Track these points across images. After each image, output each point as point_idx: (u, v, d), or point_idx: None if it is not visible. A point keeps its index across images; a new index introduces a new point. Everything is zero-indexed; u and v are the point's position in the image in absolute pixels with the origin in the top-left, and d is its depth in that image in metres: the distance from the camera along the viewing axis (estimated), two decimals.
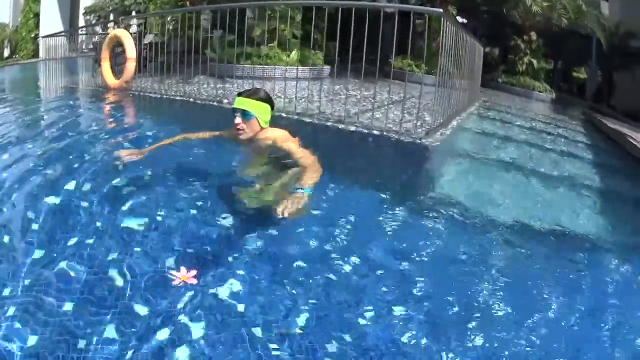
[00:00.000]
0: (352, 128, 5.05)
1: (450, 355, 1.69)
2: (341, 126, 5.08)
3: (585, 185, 4.61)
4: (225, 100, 6.40)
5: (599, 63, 18.28)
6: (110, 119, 5.73)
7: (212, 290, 1.86)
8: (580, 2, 14.98)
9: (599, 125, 10.00)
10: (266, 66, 8.67)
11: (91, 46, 20.81)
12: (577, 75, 21.72)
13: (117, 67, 8.36)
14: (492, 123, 7.69)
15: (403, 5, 5.55)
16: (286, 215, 2.19)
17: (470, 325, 1.89)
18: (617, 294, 2.33)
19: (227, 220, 2.52)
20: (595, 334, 1.97)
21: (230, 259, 2.13)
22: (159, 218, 2.46)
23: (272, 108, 3.15)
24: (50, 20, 21.27)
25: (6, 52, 21.50)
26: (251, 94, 3.12)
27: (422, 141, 4.75)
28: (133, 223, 2.35)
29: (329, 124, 5.17)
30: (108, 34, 10.12)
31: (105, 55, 8.26)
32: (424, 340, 1.76)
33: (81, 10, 21.72)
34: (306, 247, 2.34)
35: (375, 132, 4.94)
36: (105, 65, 8.22)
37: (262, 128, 3.06)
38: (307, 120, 5.34)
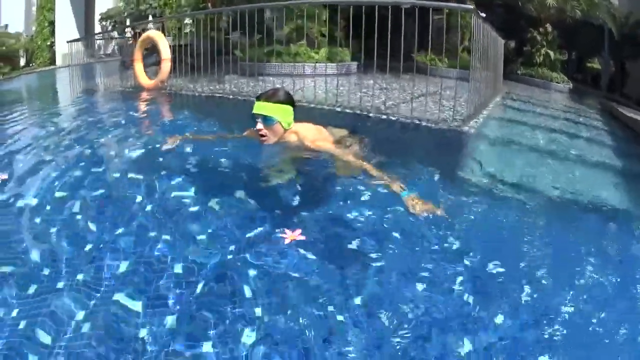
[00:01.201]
0: (394, 118, 5.60)
1: (502, 315, 1.79)
2: (383, 117, 5.63)
3: (608, 166, 5.11)
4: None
5: (611, 53, 18.69)
6: (156, 114, 6.25)
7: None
8: None
9: (616, 114, 10.46)
10: (296, 63, 9.26)
11: (109, 51, 21.50)
12: (592, 66, 22.13)
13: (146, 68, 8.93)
14: (518, 112, 8.22)
15: (434, 2, 6.04)
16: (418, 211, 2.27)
17: (518, 285, 1.99)
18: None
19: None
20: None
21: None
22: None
23: (294, 107, 3.09)
24: (66, 27, 21.87)
25: (22, 61, 22.14)
26: (270, 96, 3.02)
27: (460, 128, 5.28)
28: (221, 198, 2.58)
29: (371, 114, 5.72)
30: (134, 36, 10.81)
31: (138, 57, 8.70)
32: (467, 297, 1.87)
33: (97, 17, 22.33)
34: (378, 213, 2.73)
35: (415, 121, 5.48)
36: (139, 67, 8.67)
37: (286, 130, 3.03)
38: (349, 111, 5.89)
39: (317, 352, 1.50)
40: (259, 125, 2.93)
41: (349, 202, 2.60)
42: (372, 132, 4.74)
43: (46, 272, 1.86)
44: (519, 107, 9.00)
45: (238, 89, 7.77)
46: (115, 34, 14.02)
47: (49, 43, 22.43)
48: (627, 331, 1.73)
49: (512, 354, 1.58)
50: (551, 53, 15.14)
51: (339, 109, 5.91)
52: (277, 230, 2.15)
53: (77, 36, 22.32)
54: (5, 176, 3.16)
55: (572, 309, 1.81)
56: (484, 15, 6.51)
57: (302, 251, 2.01)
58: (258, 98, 3.05)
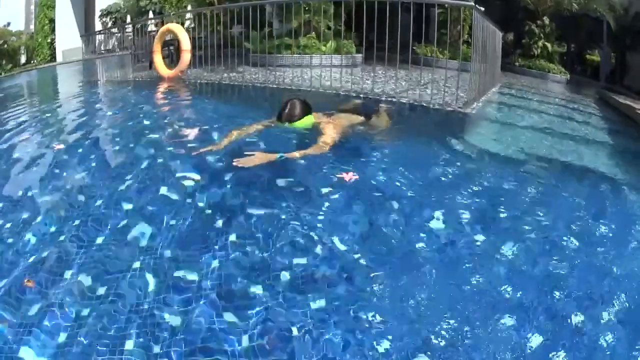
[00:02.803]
0: (404, 100, 6.50)
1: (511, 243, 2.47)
2: (394, 100, 6.52)
3: (597, 141, 6.02)
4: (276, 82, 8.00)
5: (611, 45, 19.51)
6: (187, 100, 7.17)
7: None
8: None
9: (609, 101, 11.37)
10: (305, 55, 10.17)
11: (109, 47, 22.25)
12: (592, 58, 22.97)
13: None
14: (515, 99, 9.17)
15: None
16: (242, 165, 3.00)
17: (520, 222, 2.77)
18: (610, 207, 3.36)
19: None
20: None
21: None
22: None
23: (311, 111, 3.75)
24: (66, 25, 22.65)
25: (23, 59, 22.94)
26: (292, 116, 3.64)
27: (463, 110, 6.17)
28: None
29: (382, 98, 6.61)
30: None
31: (157, 49, 9.50)
32: (479, 236, 2.53)
33: (97, 14, 23.12)
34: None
35: (423, 104, 6.38)
36: (158, 58, 9.49)
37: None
38: (363, 96, 6.79)
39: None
40: None
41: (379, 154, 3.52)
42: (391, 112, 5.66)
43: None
44: (515, 94, 9.93)
45: (252, 78, 8.70)
46: (129, 28, 14.78)
47: (49, 40, 23.19)
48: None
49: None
50: (548, 45, 16.05)
51: (353, 95, 6.80)
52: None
53: (77, 34, 23.18)
54: (61, 145, 4.01)
55: (561, 238, 2.61)
56: (482, 9, 7.36)
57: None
58: (280, 118, 3.70)
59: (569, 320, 1.90)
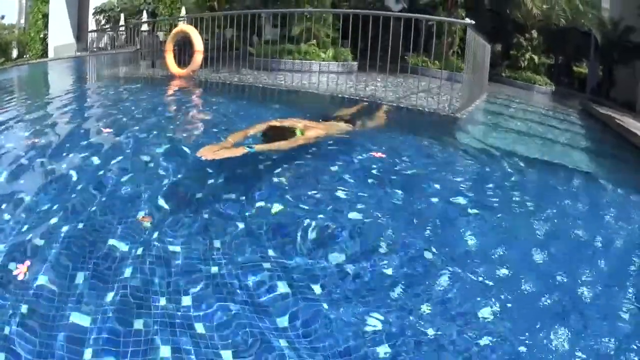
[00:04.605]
0: (402, 105, 7.59)
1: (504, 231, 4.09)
2: (395, 104, 7.61)
3: (574, 144, 7.17)
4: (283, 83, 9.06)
5: (598, 58, 20.78)
6: (201, 96, 8.22)
7: None
8: (577, 3, 17.71)
9: (591, 111, 12.59)
10: (305, 61, 11.28)
11: (102, 45, 23.06)
12: (579, 70, 24.34)
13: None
14: (501, 107, 10.38)
15: (436, 17, 8.13)
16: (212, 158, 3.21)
17: (508, 206, 3.95)
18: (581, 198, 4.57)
19: None
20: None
21: None
22: None
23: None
24: (59, 20, 23.39)
25: (14, 53, 23.62)
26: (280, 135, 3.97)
27: (454, 115, 7.26)
28: None
29: (384, 102, 7.70)
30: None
31: (169, 48, 10.37)
32: (459, 199, 4.16)
33: (91, 11, 23.95)
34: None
35: (419, 108, 7.48)
36: (170, 57, 10.34)
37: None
38: (366, 100, 7.86)
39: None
40: None
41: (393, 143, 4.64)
42: (391, 114, 6.76)
43: None
44: (502, 102, 11.18)
45: (256, 79, 9.75)
46: (145, 27, 15.70)
47: (42, 35, 23.90)
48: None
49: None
50: (535, 57, 17.40)
51: (356, 98, 7.88)
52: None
53: (69, 30, 24.02)
54: (109, 129, 4.90)
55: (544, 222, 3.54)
56: (472, 22, 8.36)
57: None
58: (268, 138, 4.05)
59: None
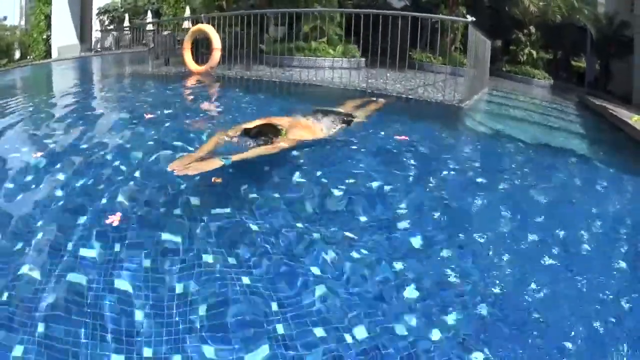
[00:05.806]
0: (411, 97, 8.46)
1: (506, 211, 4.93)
2: (404, 96, 8.48)
3: (569, 131, 8.05)
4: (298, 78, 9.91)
5: (595, 52, 21.60)
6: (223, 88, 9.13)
7: None
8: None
9: (587, 103, 13.49)
10: (316, 57, 12.18)
11: (107, 45, 23.83)
12: (578, 65, 25.17)
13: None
14: (502, 98, 11.30)
15: (437, 15, 9.02)
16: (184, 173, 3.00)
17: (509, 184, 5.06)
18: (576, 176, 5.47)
19: None
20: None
21: None
22: None
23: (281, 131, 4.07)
24: (62, 21, 24.06)
25: (17, 54, 24.24)
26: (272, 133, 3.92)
27: (459, 105, 8.11)
28: None
29: (394, 94, 8.56)
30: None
31: (187, 46, 11.01)
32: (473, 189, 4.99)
33: (94, 11, 24.62)
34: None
35: (427, 99, 8.35)
36: (187, 54, 10.99)
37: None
38: (378, 93, 8.70)
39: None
40: None
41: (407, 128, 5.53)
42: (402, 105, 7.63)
43: None
44: (502, 95, 12.10)
45: (272, 75, 10.58)
46: (150, 27, 16.51)
47: (44, 36, 24.55)
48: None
49: None
50: (534, 52, 18.33)
51: (369, 92, 8.74)
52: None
53: (73, 31, 24.75)
54: (152, 115, 5.47)
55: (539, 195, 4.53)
56: (473, 19, 9.16)
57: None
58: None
59: None
